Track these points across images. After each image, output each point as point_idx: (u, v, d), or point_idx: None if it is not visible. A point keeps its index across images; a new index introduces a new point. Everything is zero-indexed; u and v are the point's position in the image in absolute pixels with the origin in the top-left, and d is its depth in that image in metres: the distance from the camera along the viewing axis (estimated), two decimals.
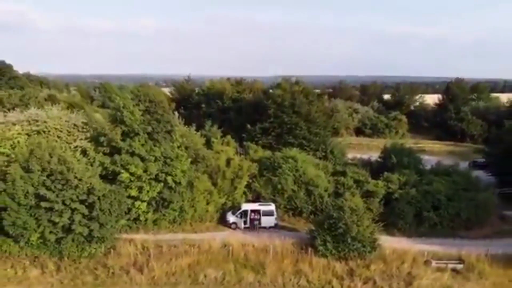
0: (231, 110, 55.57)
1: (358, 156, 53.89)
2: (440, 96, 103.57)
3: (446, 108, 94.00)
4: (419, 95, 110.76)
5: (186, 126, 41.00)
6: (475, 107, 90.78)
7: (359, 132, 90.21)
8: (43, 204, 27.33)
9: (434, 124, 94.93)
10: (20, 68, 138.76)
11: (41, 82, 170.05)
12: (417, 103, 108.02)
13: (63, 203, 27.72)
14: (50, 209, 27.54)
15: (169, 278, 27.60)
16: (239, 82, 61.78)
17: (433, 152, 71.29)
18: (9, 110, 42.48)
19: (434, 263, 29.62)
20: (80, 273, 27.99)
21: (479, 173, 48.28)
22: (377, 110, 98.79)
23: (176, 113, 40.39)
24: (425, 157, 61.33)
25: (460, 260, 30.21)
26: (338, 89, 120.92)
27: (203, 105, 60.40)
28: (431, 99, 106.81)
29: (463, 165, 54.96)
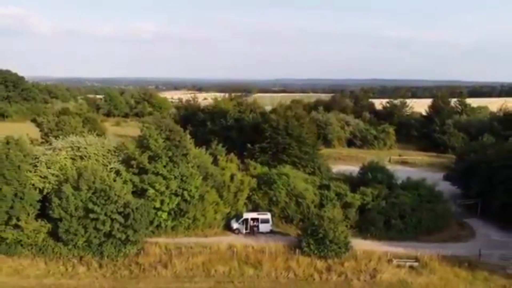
0: (234, 129, 63.23)
1: (346, 168, 61.41)
2: (427, 108, 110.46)
3: (432, 121, 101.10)
4: (409, 103, 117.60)
5: (197, 147, 48.18)
6: (458, 120, 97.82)
7: (350, 143, 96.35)
8: (91, 215, 35.14)
9: (422, 134, 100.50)
10: (19, 72, 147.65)
11: (49, 91, 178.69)
12: (407, 113, 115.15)
13: (105, 214, 35.54)
14: (96, 219, 35.31)
15: (188, 273, 34.98)
16: (240, 103, 69.73)
17: (415, 164, 77.55)
18: (46, 134, 50.35)
19: (395, 261, 36.90)
20: (118, 269, 35.30)
21: (447, 185, 55.97)
22: (368, 121, 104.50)
23: (188, 135, 47.56)
24: (406, 169, 69.56)
25: (416, 259, 37.48)
26: (332, 101, 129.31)
27: (208, 123, 68.14)
28: (428, 103, 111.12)
29: (440, 176, 62.44)
